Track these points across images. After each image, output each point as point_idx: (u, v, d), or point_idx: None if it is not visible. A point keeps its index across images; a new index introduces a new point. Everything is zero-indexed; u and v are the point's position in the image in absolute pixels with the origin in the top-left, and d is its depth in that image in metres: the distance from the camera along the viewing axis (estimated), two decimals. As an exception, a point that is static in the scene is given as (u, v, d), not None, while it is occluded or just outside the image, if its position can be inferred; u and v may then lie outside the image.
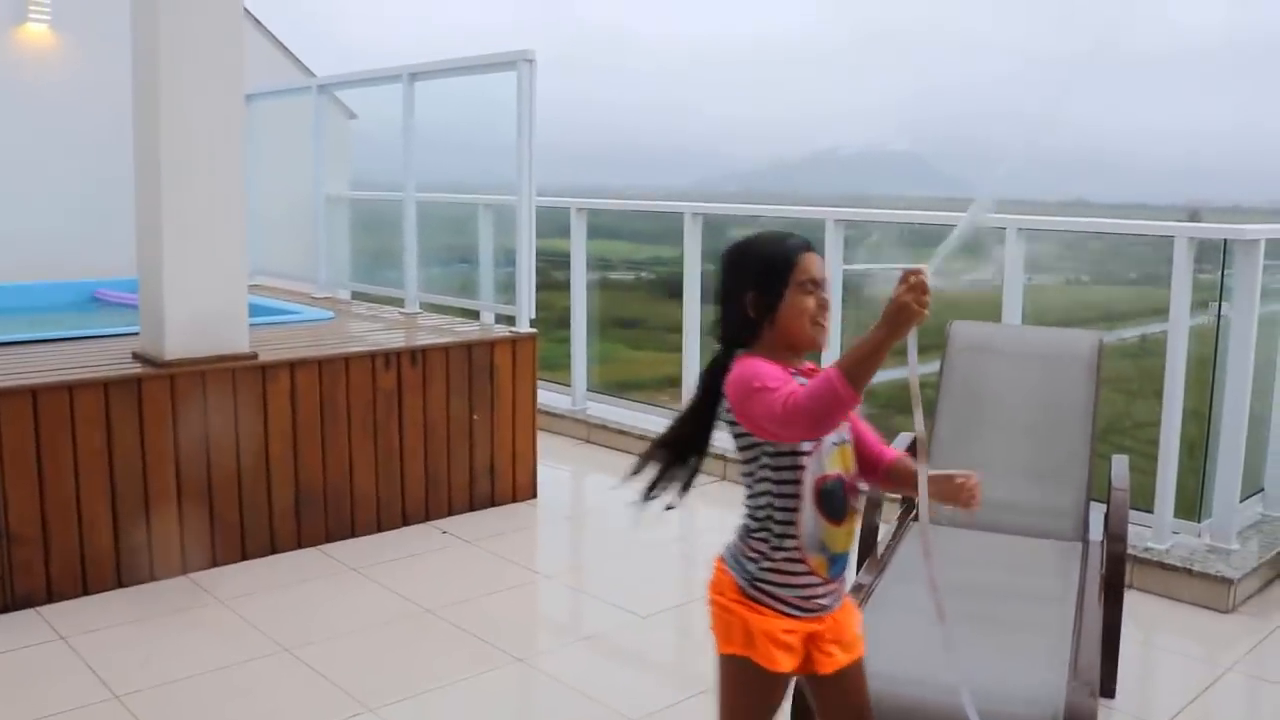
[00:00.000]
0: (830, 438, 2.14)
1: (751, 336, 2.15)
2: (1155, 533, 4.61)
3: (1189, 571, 4.39)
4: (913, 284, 1.87)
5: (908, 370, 2.05)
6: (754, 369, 2.07)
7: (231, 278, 4.72)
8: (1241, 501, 4.78)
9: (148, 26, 4.48)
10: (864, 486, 2.27)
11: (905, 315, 1.88)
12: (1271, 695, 3.73)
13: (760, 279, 2.14)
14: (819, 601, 2.18)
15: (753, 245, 2.20)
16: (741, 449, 2.17)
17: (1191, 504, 4.82)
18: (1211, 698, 3.66)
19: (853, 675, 2.30)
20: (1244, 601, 4.39)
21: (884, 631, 2.91)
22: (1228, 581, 4.31)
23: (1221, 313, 4.71)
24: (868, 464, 2.29)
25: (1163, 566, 4.44)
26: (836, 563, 2.18)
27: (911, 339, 1.98)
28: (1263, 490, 5.16)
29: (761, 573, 2.16)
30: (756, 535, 2.17)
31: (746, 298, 2.15)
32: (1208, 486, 4.77)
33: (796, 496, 2.12)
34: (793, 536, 2.13)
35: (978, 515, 3.76)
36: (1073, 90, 1.93)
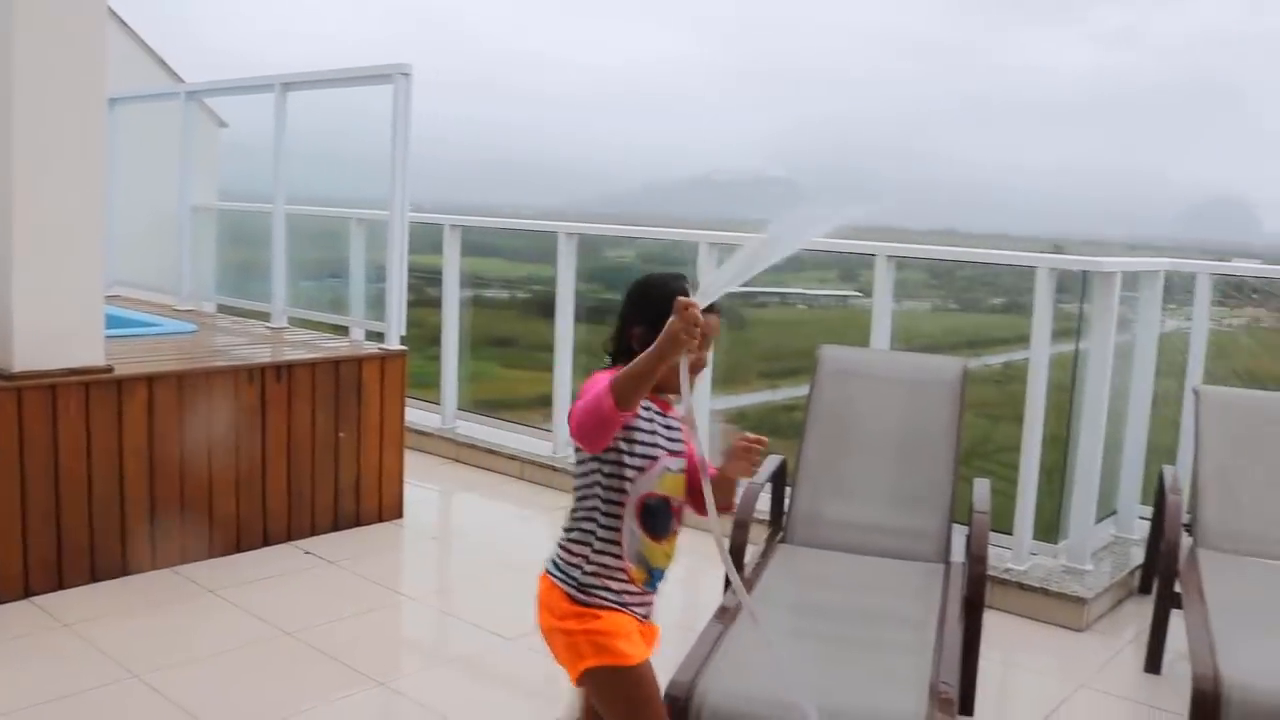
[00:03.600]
0: (666, 463, 2.33)
1: (627, 363, 2.20)
2: (1015, 554, 4.73)
3: (1046, 591, 4.51)
4: (685, 315, 1.99)
5: (681, 401, 2.23)
6: (588, 386, 2.22)
7: (87, 287, 4.51)
8: (1096, 524, 4.93)
9: (2, 13, 4.27)
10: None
11: (674, 342, 2.01)
12: (1119, 709, 3.85)
13: (653, 319, 2.16)
14: (635, 609, 2.34)
15: (657, 286, 2.30)
16: (578, 461, 2.35)
17: (1050, 526, 4.96)
18: (1065, 713, 3.75)
19: None
20: (1097, 620, 4.53)
21: (745, 652, 2.91)
22: (1081, 601, 4.44)
23: (1079, 342, 4.87)
24: (698, 496, 2.40)
25: (1021, 587, 4.56)
26: (654, 576, 2.36)
27: (683, 367, 2.12)
28: (1116, 513, 5.34)
29: (586, 576, 2.31)
30: (578, 542, 2.33)
31: (635, 330, 2.30)
32: (1065, 509, 4.92)
33: (621, 505, 2.29)
34: (616, 544, 2.30)
35: (843, 538, 3.83)
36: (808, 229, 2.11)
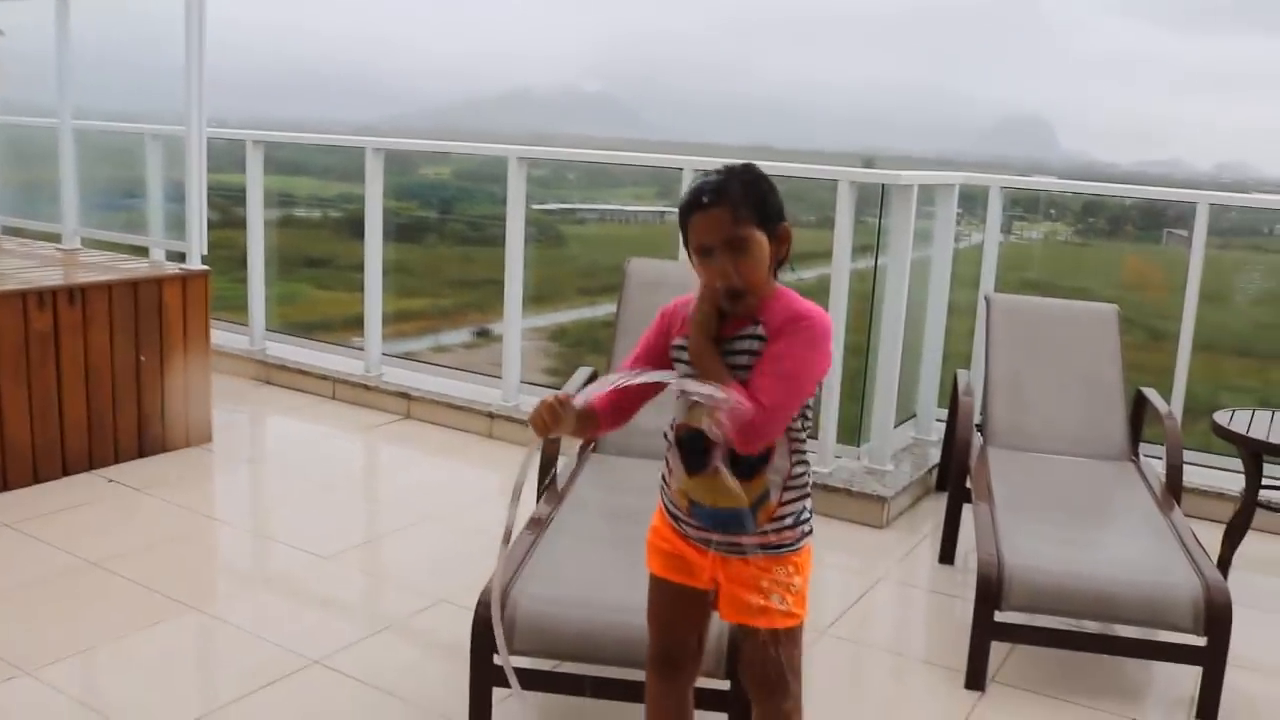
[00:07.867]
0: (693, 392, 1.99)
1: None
2: (819, 457, 4.93)
3: (849, 492, 4.73)
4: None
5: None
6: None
7: None
8: (896, 427, 5.18)
9: None
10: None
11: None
12: (916, 597, 4.11)
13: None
14: (687, 527, 2.14)
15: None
16: None
17: (853, 430, 5.19)
18: (867, 603, 3.98)
19: (748, 637, 2.16)
20: (897, 517, 4.79)
21: (557, 558, 2.99)
22: (882, 500, 4.68)
23: (880, 255, 5.05)
24: None
25: (826, 488, 4.76)
26: (697, 508, 2.10)
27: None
28: (915, 416, 5.62)
29: (662, 472, 2.19)
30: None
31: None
32: (867, 414, 5.15)
33: (671, 428, 2.13)
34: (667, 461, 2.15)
35: (648, 445, 3.89)
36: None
